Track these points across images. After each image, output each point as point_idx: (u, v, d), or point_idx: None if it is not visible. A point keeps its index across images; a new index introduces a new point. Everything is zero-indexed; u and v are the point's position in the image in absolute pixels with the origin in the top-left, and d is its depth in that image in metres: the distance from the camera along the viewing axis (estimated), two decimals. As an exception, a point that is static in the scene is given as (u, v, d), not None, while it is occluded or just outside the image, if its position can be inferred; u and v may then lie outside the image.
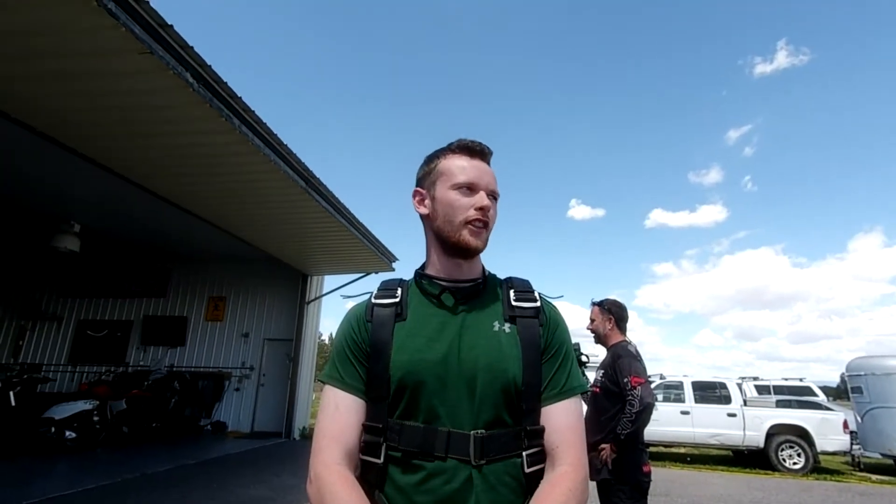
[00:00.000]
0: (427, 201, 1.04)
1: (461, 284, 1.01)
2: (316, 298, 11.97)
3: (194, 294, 12.10)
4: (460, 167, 1.00)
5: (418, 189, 1.07)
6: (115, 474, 6.10)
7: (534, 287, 1.05)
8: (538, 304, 1.01)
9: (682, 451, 11.13)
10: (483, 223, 0.98)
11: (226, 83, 4.52)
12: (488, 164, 1.04)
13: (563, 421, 0.93)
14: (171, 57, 3.93)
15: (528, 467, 0.89)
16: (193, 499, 5.25)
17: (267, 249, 9.55)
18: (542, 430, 0.92)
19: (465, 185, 0.98)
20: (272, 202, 7.14)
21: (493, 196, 1.01)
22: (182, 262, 12.14)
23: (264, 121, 5.23)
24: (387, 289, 1.03)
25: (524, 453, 0.89)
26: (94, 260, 11.95)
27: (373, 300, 1.01)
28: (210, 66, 4.27)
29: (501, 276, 1.09)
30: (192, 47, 4.04)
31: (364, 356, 0.96)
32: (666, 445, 10.50)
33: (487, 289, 1.03)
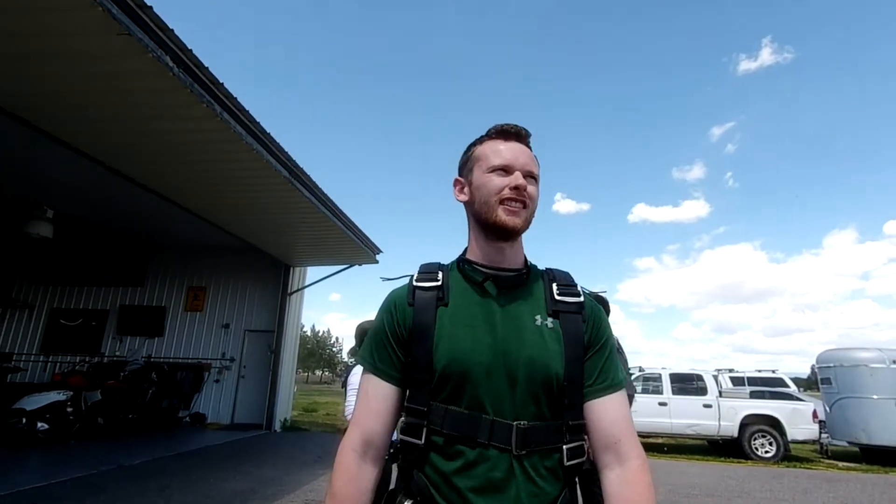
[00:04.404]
0: (466, 188, 1.04)
1: (504, 273, 1.00)
2: (298, 290, 11.86)
3: (173, 283, 11.86)
4: (495, 150, 1.00)
5: (458, 178, 1.07)
6: (89, 466, 5.98)
7: (575, 280, 1.04)
8: (581, 298, 1.00)
9: (660, 441, 11.41)
10: (520, 202, 0.96)
11: (207, 68, 4.40)
12: (526, 145, 1.02)
13: (621, 413, 0.94)
14: (151, 39, 3.80)
15: (568, 460, 0.90)
16: (171, 491, 5.18)
17: (249, 239, 9.40)
18: (583, 425, 0.93)
19: (500, 167, 0.97)
20: (254, 192, 7.01)
21: (530, 176, 0.99)
22: (161, 251, 11.87)
23: (247, 108, 5.12)
24: (427, 272, 1.02)
25: (564, 447, 0.90)
26: (69, 247, 11.61)
27: (414, 283, 1.00)
28: (191, 50, 4.15)
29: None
30: (172, 30, 3.91)
31: (402, 341, 0.96)
32: (644, 436, 10.74)
33: (530, 280, 1.02)
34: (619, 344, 2.94)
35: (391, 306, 1.00)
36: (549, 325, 0.95)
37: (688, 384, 10.43)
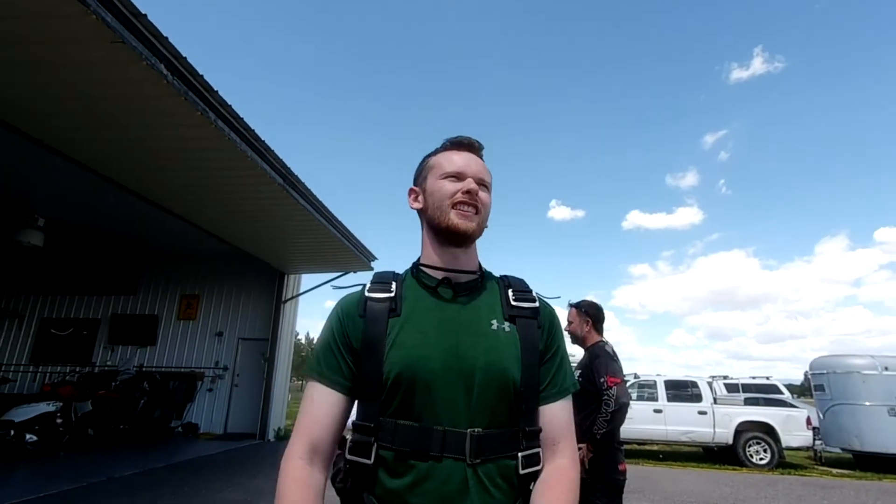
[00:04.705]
0: (420, 196, 1.05)
1: (459, 277, 0.99)
2: (293, 297, 11.79)
3: (166, 292, 11.77)
4: (449, 159, 1.02)
5: (413, 187, 1.08)
6: (79, 479, 5.87)
7: (531, 287, 1.04)
8: (537, 304, 1.00)
9: (655, 448, 11.38)
10: (473, 207, 0.98)
11: (202, 76, 4.40)
12: (479, 156, 1.05)
13: (564, 417, 0.96)
14: (145, 47, 3.80)
15: (523, 469, 0.88)
16: (163, 503, 5.10)
17: (243, 247, 9.35)
18: (539, 431, 0.92)
19: (452, 174, 1.00)
20: (249, 199, 6.99)
21: (482, 184, 1.01)
22: (153, 259, 11.78)
23: (242, 116, 5.12)
24: (381, 282, 0.99)
25: (520, 454, 0.88)
26: (60, 255, 11.48)
27: (366, 293, 0.98)
28: (185, 58, 4.16)
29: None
30: (166, 38, 3.92)
31: (351, 351, 0.93)
32: (639, 443, 10.72)
33: (485, 284, 1.01)
34: (613, 351, 2.94)
35: (340, 314, 0.97)
36: (507, 329, 0.94)
37: (683, 391, 10.45)
